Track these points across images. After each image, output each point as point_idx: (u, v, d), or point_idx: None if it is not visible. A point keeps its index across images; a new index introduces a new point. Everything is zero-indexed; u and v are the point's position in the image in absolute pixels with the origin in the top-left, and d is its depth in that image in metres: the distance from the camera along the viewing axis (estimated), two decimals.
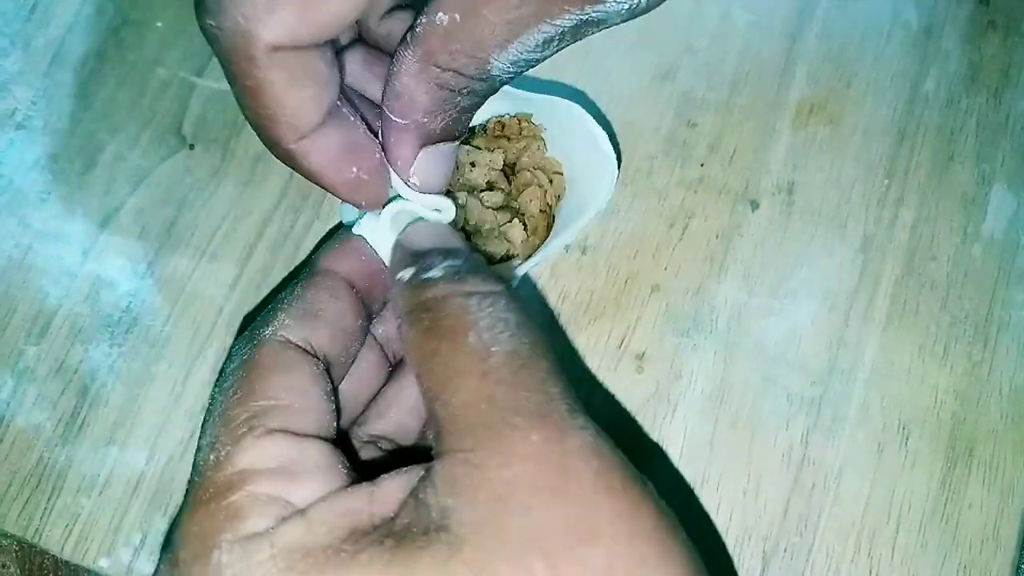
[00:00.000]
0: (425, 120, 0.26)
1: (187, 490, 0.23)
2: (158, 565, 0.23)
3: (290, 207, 0.36)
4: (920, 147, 0.37)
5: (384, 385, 0.30)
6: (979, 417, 0.35)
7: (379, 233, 0.28)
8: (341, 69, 0.27)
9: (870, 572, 0.33)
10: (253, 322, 0.26)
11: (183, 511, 0.23)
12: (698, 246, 0.36)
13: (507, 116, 0.33)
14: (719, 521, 0.33)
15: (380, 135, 0.28)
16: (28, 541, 0.33)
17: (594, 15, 0.24)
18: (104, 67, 0.38)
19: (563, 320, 0.35)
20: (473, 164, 0.31)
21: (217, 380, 0.25)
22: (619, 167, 0.32)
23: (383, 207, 0.28)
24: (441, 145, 0.28)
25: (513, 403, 0.21)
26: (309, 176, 0.27)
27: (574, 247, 0.36)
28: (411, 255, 0.27)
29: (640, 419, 0.34)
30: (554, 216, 0.31)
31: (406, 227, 0.28)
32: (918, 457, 0.34)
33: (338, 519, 0.21)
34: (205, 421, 0.24)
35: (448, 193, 0.29)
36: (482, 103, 0.27)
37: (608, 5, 0.23)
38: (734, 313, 0.35)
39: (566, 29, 0.24)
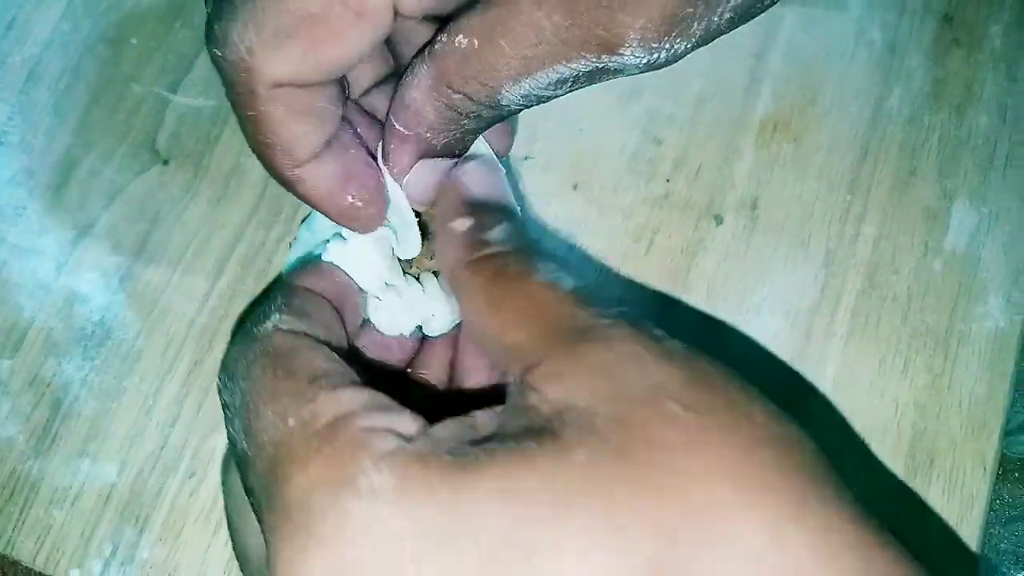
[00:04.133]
0: (428, 135, 0.27)
1: (258, 470, 0.22)
2: (265, 540, 0.21)
3: (262, 222, 0.37)
4: (883, 163, 0.38)
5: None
6: (939, 429, 0.35)
7: (354, 256, 0.29)
8: (344, 101, 0.28)
9: None
10: (242, 326, 0.26)
11: (274, 481, 0.21)
12: (663, 261, 0.36)
13: None
14: None
15: (382, 142, 0.28)
16: (0, 553, 0.34)
17: (610, 64, 0.24)
18: (80, 83, 0.39)
19: None
20: None
21: (228, 381, 0.24)
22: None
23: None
24: (438, 160, 0.28)
25: (593, 313, 0.22)
26: (306, 201, 0.28)
27: None
28: (464, 204, 0.27)
29: None
30: None
31: (461, 164, 0.29)
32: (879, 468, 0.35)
33: (458, 435, 0.21)
34: (243, 414, 0.23)
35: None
36: (486, 128, 0.28)
37: (625, 57, 0.24)
38: (698, 327, 0.36)
39: (581, 73, 0.24)
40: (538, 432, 0.20)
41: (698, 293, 0.36)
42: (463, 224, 0.26)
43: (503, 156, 0.34)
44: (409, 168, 0.28)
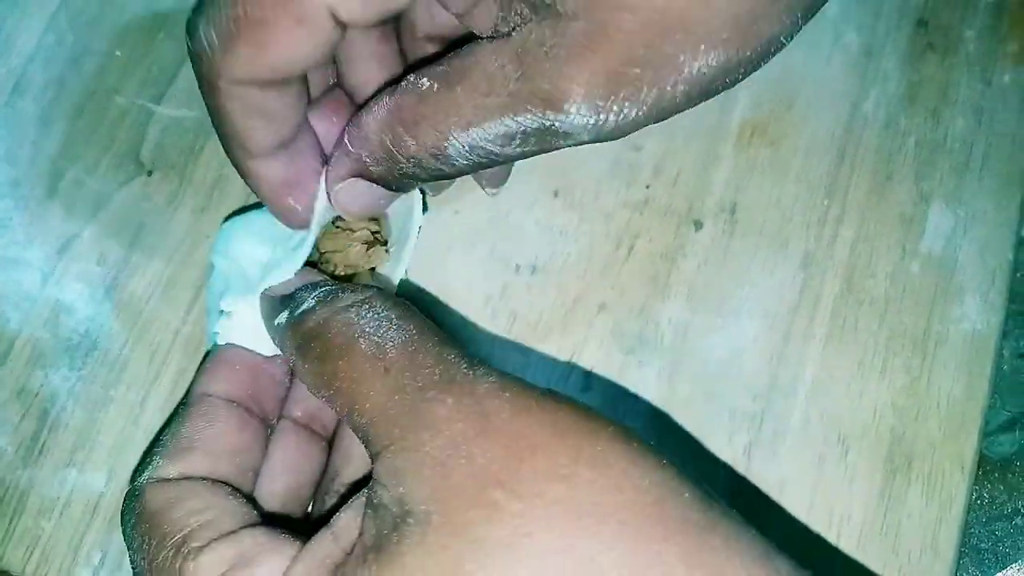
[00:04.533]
0: (367, 160, 0.28)
1: None
2: None
3: None
4: (859, 167, 0.38)
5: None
6: (917, 430, 0.36)
7: (244, 326, 0.30)
8: (304, 106, 0.29)
9: None
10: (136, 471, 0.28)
11: None
12: (643, 266, 0.37)
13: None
14: None
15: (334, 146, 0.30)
16: None
17: (556, 122, 0.24)
18: (64, 95, 0.39)
19: (513, 339, 0.36)
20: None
21: (128, 546, 0.26)
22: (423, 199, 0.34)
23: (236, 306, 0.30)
24: (374, 186, 0.29)
25: (420, 383, 0.23)
26: (253, 191, 0.30)
27: (524, 268, 0.37)
28: (280, 301, 0.28)
29: None
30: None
31: (267, 287, 0.30)
32: (858, 470, 0.35)
33: (314, 569, 0.22)
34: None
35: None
36: (426, 180, 0.28)
37: (571, 116, 0.23)
38: (678, 331, 0.36)
39: (529, 130, 0.24)
40: (382, 548, 0.21)
41: (679, 297, 0.37)
42: (283, 317, 0.27)
43: (497, 188, 0.36)
44: (339, 180, 0.29)
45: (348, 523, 0.23)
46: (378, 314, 0.25)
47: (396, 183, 0.28)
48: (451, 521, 0.20)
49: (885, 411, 0.36)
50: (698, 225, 0.37)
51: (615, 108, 0.23)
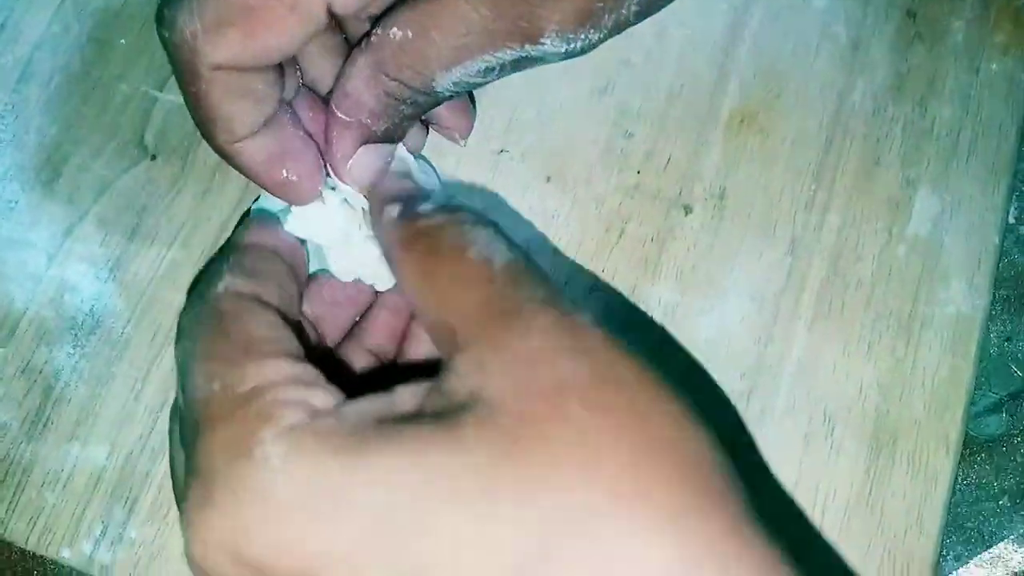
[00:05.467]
0: (368, 121, 0.29)
1: (187, 424, 0.24)
2: (183, 492, 0.23)
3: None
4: (847, 154, 0.39)
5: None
6: (902, 409, 0.36)
7: (314, 214, 0.31)
8: (283, 85, 0.30)
9: None
10: (198, 284, 0.28)
11: (194, 438, 0.23)
12: (634, 249, 0.38)
13: None
14: None
15: (325, 129, 0.30)
16: None
17: (533, 52, 0.27)
18: (70, 82, 0.40)
19: None
20: None
21: (178, 338, 0.27)
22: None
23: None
24: (379, 145, 0.30)
25: (521, 296, 0.23)
26: (243, 172, 0.30)
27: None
28: (391, 195, 0.29)
29: None
30: None
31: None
32: (843, 448, 0.36)
33: (368, 413, 0.23)
34: (184, 370, 0.25)
35: None
36: (422, 114, 0.30)
37: (545, 46, 0.27)
38: (668, 312, 0.37)
39: (507, 61, 0.27)
40: (444, 418, 0.21)
41: (668, 279, 0.37)
42: (394, 210, 0.27)
43: (465, 137, 0.36)
44: (352, 153, 0.30)
45: (406, 396, 0.23)
46: (493, 236, 0.25)
47: (399, 130, 0.30)
48: (522, 411, 0.21)
49: (870, 391, 0.36)
50: (688, 210, 0.38)
51: (582, 36, 0.27)
